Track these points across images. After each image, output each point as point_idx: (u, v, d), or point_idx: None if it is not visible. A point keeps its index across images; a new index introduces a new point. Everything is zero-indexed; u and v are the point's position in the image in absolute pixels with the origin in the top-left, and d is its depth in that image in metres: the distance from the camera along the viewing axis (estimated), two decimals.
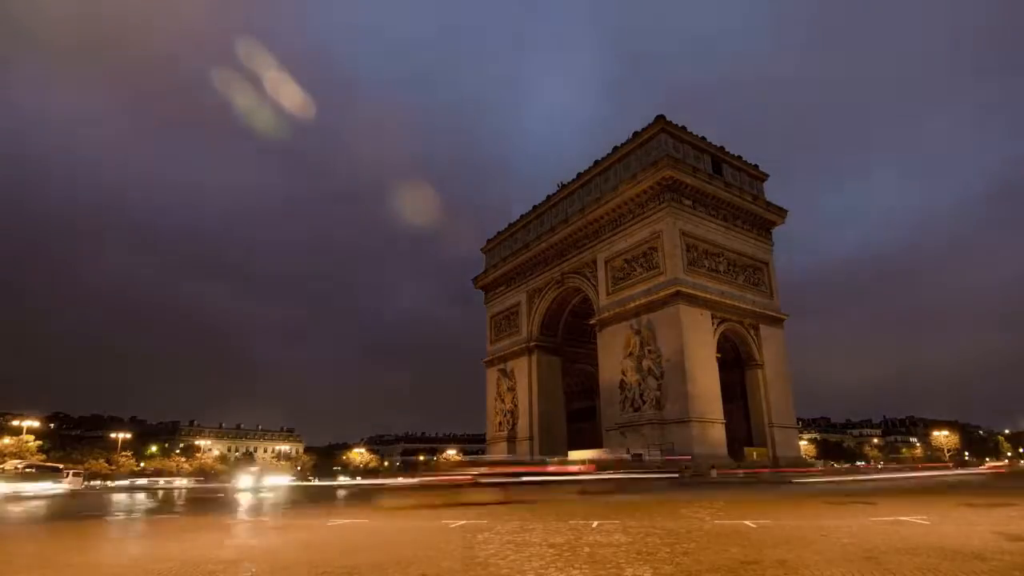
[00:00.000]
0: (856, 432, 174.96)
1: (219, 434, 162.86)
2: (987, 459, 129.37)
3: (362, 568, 8.23)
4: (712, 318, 60.47)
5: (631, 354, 61.10)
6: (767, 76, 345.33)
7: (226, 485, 73.43)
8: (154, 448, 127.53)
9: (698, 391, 56.17)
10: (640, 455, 53.81)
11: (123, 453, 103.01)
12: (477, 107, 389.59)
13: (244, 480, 70.97)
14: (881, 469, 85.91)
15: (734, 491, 28.92)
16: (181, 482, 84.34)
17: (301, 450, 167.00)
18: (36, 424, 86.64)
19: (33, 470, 58.73)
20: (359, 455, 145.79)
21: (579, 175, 75.16)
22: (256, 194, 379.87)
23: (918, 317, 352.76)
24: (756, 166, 72.55)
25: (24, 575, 8.71)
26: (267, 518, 19.46)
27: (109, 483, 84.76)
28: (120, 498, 38.82)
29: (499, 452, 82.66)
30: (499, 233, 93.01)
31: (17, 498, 38.18)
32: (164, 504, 30.77)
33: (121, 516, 21.65)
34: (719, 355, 60.95)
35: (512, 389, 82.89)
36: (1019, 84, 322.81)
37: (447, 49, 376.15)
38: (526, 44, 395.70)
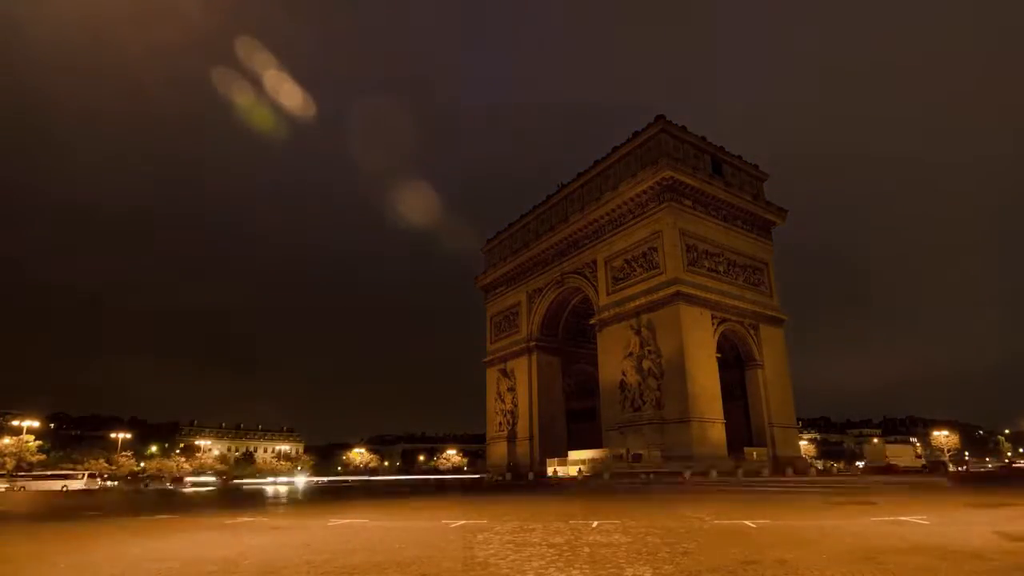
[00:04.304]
0: (856, 432, 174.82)
1: (219, 434, 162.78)
2: (987, 459, 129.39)
3: (362, 568, 8.22)
4: (712, 318, 60.46)
5: (631, 354, 61.07)
6: None
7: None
8: (154, 448, 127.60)
9: (698, 391, 56.15)
10: (640, 455, 53.82)
11: (123, 453, 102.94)
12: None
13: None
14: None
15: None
16: None
17: (301, 450, 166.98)
18: (36, 424, 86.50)
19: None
20: (359, 455, 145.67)
21: (579, 175, 75.14)
22: (256, 192, 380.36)
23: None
24: (756, 166, 72.52)
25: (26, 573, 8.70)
26: (266, 518, 19.44)
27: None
28: None
29: (499, 452, 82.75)
30: (499, 233, 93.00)
31: None
32: None
33: None
34: (719, 355, 60.95)
35: (512, 389, 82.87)
36: None
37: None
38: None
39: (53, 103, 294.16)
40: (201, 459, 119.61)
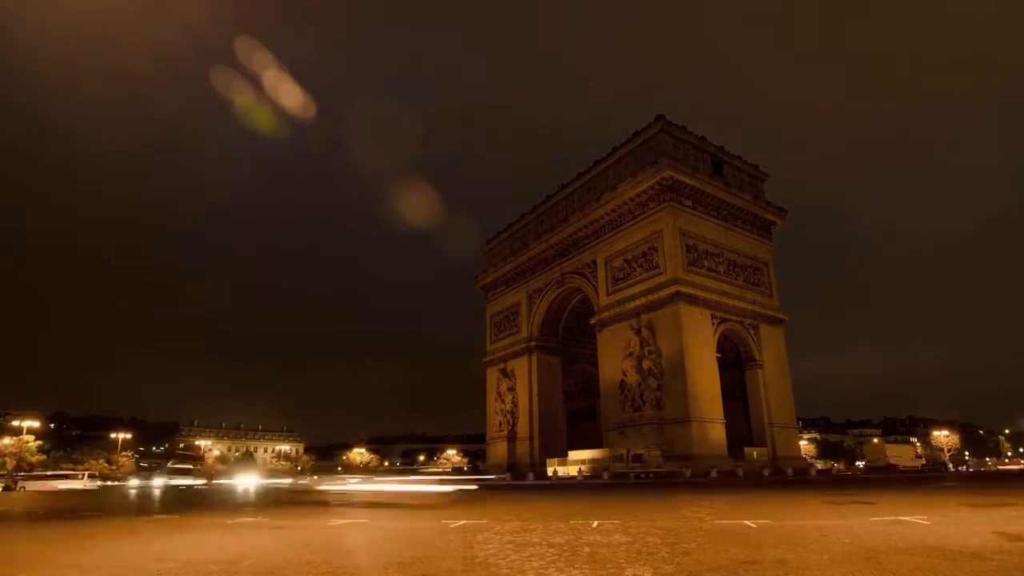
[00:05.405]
0: (856, 432, 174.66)
1: (219, 434, 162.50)
2: (987, 459, 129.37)
3: (363, 568, 8.23)
4: (712, 318, 60.45)
5: (631, 354, 61.06)
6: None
7: None
8: (154, 448, 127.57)
9: (698, 391, 56.14)
10: (640, 455, 53.80)
11: (123, 453, 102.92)
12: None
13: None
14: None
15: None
16: None
17: (301, 450, 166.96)
18: (36, 424, 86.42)
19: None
20: (359, 455, 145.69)
21: (579, 175, 75.10)
22: (255, 192, 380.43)
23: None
24: (756, 166, 72.47)
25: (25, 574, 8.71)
26: (267, 518, 19.44)
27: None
28: None
29: (499, 452, 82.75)
30: (499, 233, 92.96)
31: None
32: None
33: None
34: (719, 355, 60.92)
35: (512, 389, 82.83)
36: None
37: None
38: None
39: (53, 97, 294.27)
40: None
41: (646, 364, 59.34)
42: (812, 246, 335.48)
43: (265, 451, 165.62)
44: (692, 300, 58.81)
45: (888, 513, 15.38)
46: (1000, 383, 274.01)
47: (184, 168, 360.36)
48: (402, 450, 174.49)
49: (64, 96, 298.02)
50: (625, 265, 65.43)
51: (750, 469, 53.22)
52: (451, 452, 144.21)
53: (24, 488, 57.54)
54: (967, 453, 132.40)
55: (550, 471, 60.99)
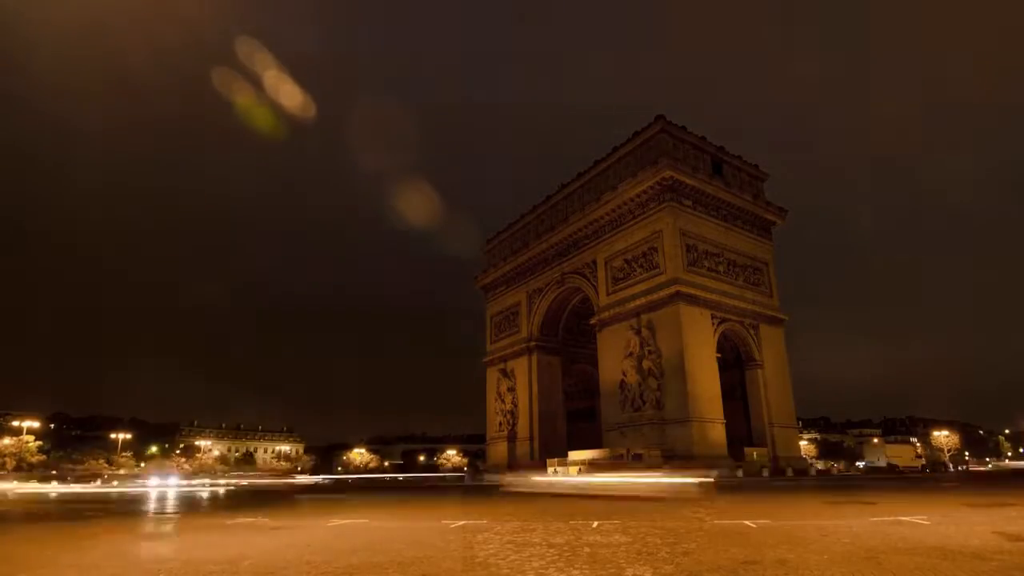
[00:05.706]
0: (856, 432, 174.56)
1: (219, 434, 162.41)
2: (987, 459, 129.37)
3: (362, 568, 8.23)
4: (712, 318, 60.44)
5: (631, 354, 61.05)
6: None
7: None
8: (154, 448, 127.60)
9: (698, 391, 56.13)
10: (640, 455, 53.78)
11: (123, 454, 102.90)
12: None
13: None
14: None
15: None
16: None
17: (301, 450, 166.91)
18: (36, 424, 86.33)
19: None
20: (359, 455, 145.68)
21: (579, 175, 75.11)
22: (254, 192, 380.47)
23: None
24: (756, 166, 72.46)
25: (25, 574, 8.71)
26: (267, 518, 19.43)
27: None
28: None
29: (499, 452, 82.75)
30: (499, 233, 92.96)
31: None
32: None
33: None
34: (719, 355, 60.90)
35: (512, 389, 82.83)
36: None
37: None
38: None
39: (52, 95, 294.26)
40: (201, 459, 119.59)
41: (646, 364, 59.32)
42: (812, 246, 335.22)
43: (265, 451, 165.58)
44: (692, 300, 58.80)
45: (888, 513, 15.38)
46: (1000, 383, 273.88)
47: (184, 168, 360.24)
48: (402, 450, 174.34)
49: (63, 94, 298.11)
50: (625, 265, 65.43)
51: (750, 470, 53.20)
52: (451, 452, 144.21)
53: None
54: (967, 453, 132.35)
55: (550, 471, 60.95)
